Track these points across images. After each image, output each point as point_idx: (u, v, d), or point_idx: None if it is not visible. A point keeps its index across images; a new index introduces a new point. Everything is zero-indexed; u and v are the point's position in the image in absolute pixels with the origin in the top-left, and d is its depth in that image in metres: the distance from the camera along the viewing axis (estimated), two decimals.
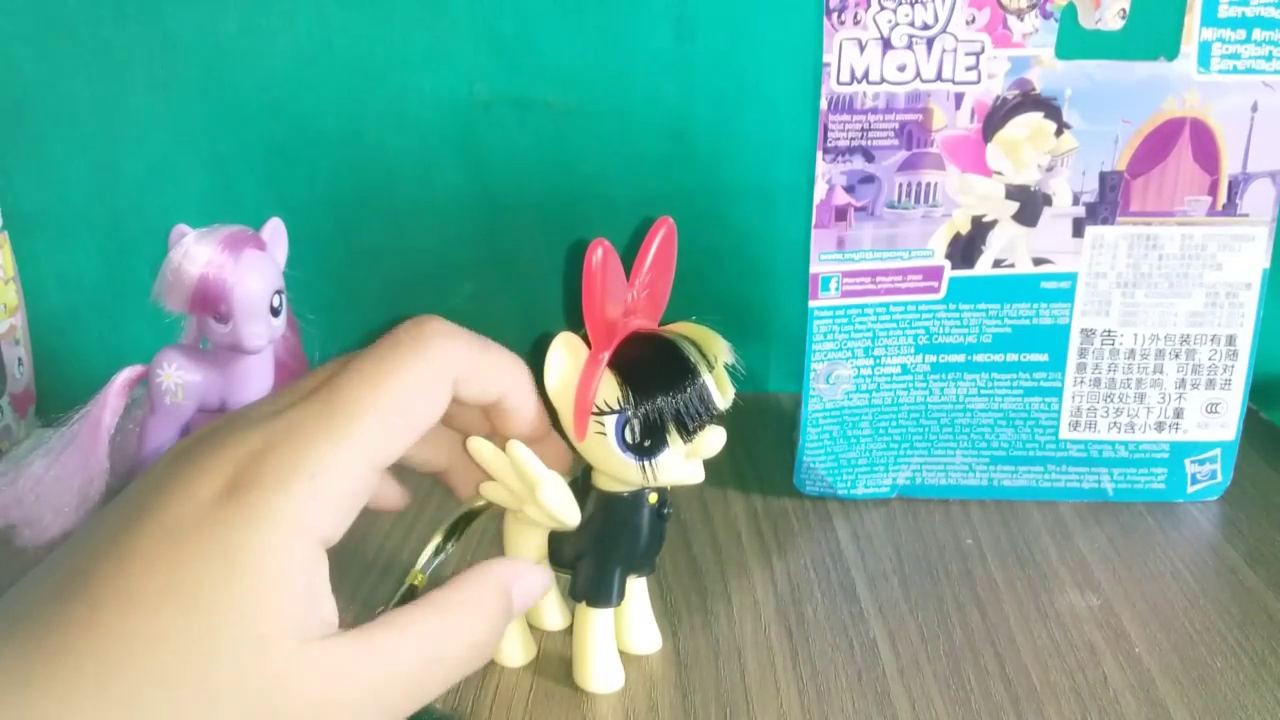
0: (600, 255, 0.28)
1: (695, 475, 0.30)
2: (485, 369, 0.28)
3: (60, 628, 0.22)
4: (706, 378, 0.29)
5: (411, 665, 0.25)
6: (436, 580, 0.28)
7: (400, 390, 0.25)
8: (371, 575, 0.39)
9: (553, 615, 0.36)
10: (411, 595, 0.31)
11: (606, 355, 0.29)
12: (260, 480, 0.23)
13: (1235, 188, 0.40)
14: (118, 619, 0.22)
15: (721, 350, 0.30)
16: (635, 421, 0.29)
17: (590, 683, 0.33)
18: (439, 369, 0.26)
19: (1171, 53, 0.39)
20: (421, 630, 0.26)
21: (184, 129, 0.53)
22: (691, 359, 0.29)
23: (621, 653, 0.34)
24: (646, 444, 0.29)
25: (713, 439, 0.30)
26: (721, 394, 0.30)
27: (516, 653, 0.34)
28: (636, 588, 0.34)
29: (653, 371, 0.29)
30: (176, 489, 0.24)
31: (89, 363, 0.45)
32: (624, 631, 0.34)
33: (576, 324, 0.30)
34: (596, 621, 0.33)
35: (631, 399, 0.29)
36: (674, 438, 0.29)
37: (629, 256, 0.31)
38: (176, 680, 0.22)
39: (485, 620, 0.27)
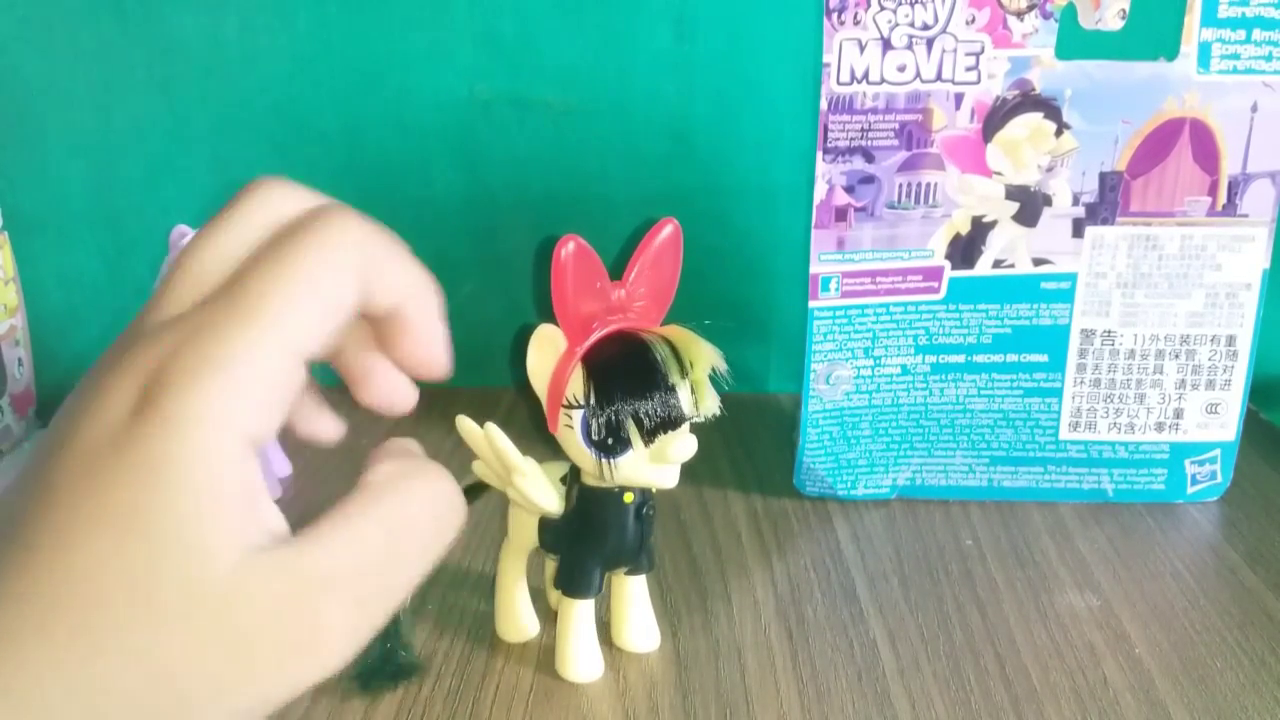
0: (570, 250, 0.28)
1: (662, 480, 0.30)
2: (392, 265, 0.26)
3: (17, 575, 0.21)
4: (677, 384, 0.29)
5: (375, 547, 0.24)
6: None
7: (311, 271, 0.24)
8: None
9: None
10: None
11: (581, 350, 0.29)
12: (171, 383, 0.22)
13: (1235, 188, 0.40)
14: (51, 556, 0.21)
15: (703, 358, 0.29)
16: (596, 420, 0.29)
17: (566, 671, 0.33)
18: (349, 251, 0.24)
19: (1171, 53, 0.39)
20: (375, 509, 0.24)
21: (184, 129, 0.53)
22: (661, 364, 0.29)
23: (620, 650, 0.34)
24: (609, 442, 0.29)
25: (679, 446, 0.29)
26: (697, 402, 0.29)
27: (519, 628, 0.35)
28: (635, 585, 0.34)
29: (618, 373, 0.29)
30: (89, 412, 0.23)
31: (89, 363, 0.45)
32: (623, 629, 0.34)
33: (547, 317, 0.30)
34: (574, 611, 0.33)
35: (594, 398, 0.29)
36: (636, 440, 0.29)
37: (627, 255, 0.31)
38: (120, 610, 0.21)
39: (435, 479, 0.25)
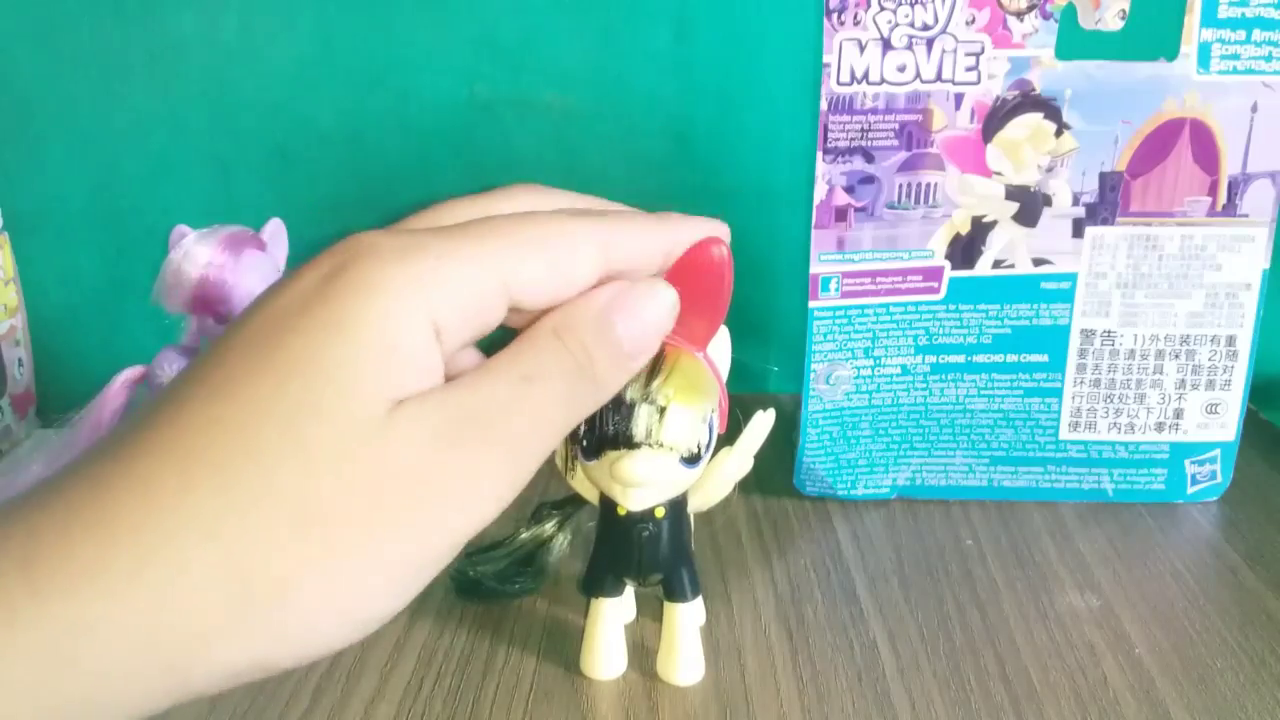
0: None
1: (620, 498, 0.30)
2: (640, 238, 0.27)
3: (147, 426, 0.21)
4: (635, 402, 0.28)
5: (520, 388, 0.23)
6: None
7: (545, 230, 0.24)
8: None
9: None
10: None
11: None
12: (367, 255, 0.23)
13: (1235, 188, 0.40)
14: (205, 405, 0.21)
15: (689, 392, 0.28)
16: None
17: (583, 667, 0.34)
18: (591, 226, 0.25)
19: (1171, 53, 0.39)
20: (513, 358, 0.24)
21: (184, 129, 0.53)
22: (627, 385, 0.27)
23: (662, 681, 0.33)
24: (584, 443, 0.29)
25: (624, 466, 0.28)
26: (657, 430, 0.28)
27: (604, 666, 0.34)
28: (672, 612, 0.33)
29: None
30: (285, 283, 0.23)
31: (89, 363, 0.45)
32: (660, 657, 0.34)
33: None
34: (593, 609, 0.33)
35: None
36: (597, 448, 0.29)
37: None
38: (270, 455, 0.21)
39: (579, 345, 0.24)
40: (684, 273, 0.28)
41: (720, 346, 0.31)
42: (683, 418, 0.28)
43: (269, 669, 0.21)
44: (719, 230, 0.28)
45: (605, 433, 0.28)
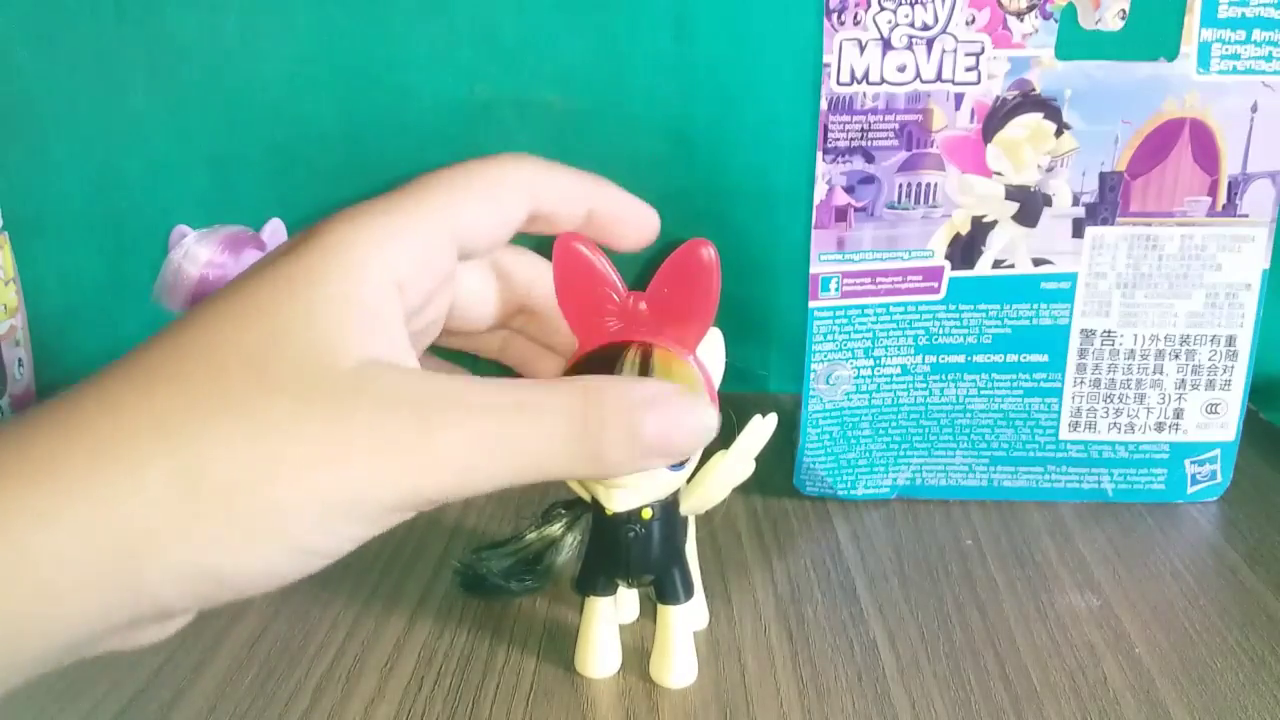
0: (564, 247, 0.29)
1: (603, 497, 0.30)
2: (563, 176, 0.29)
3: (116, 362, 0.23)
4: None
5: (506, 405, 0.23)
6: None
7: (478, 178, 0.27)
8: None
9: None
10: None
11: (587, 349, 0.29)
12: (332, 220, 0.25)
13: (1235, 188, 0.40)
14: (171, 337, 0.23)
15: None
16: None
17: (577, 665, 0.34)
18: (518, 171, 0.28)
19: (1171, 53, 0.39)
20: (522, 384, 0.24)
21: (184, 129, 0.53)
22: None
23: (655, 683, 0.33)
24: None
25: None
26: None
27: (597, 664, 0.34)
28: (664, 614, 0.33)
29: (580, 371, 0.29)
30: (264, 256, 0.25)
31: (89, 363, 0.45)
32: (653, 658, 0.34)
33: None
34: (587, 608, 0.33)
35: None
36: None
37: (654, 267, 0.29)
38: (234, 379, 0.22)
39: (598, 410, 0.24)
40: (672, 273, 0.28)
41: (713, 350, 0.31)
42: None
43: (220, 583, 0.21)
44: (649, 214, 0.30)
45: None
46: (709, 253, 0.28)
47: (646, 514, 0.31)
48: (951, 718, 0.32)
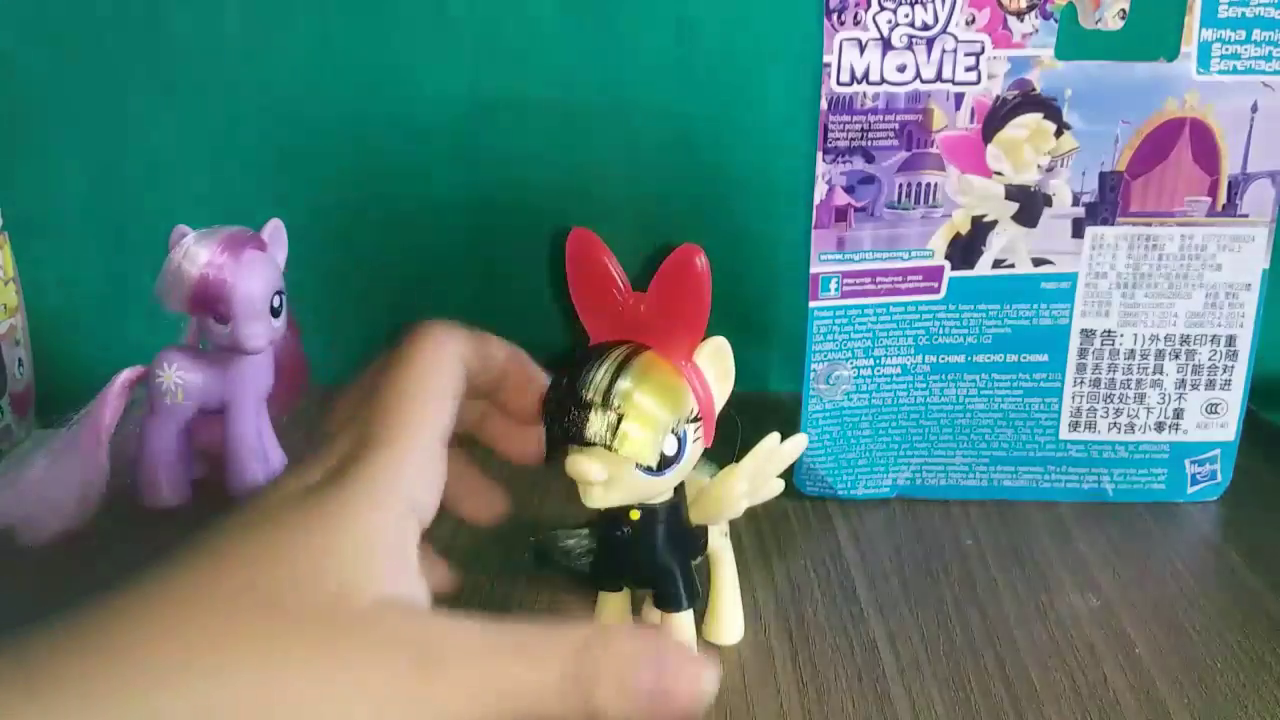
0: (576, 239, 0.29)
1: (582, 492, 0.29)
2: (484, 346, 0.31)
3: (155, 589, 0.24)
4: (593, 405, 0.28)
5: (505, 667, 0.25)
6: None
7: (430, 372, 0.29)
8: None
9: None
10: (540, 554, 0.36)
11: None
12: (346, 462, 0.27)
13: (1235, 188, 0.40)
14: (204, 576, 0.25)
15: (646, 407, 0.28)
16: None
17: None
18: (450, 348, 0.30)
19: (1171, 53, 0.39)
20: (524, 630, 0.26)
21: (184, 130, 0.53)
22: (589, 378, 0.28)
23: None
24: (545, 436, 0.30)
25: (574, 462, 0.28)
26: (620, 440, 0.27)
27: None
28: (666, 621, 0.33)
29: (566, 364, 0.29)
30: (293, 470, 0.27)
31: (89, 363, 0.45)
32: None
33: (565, 307, 0.31)
34: (599, 600, 0.34)
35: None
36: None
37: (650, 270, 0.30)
38: (251, 616, 0.24)
39: (562, 666, 0.25)
40: (665, 282, 0.28)
41: (719, 361, 0.30)
42: (641, 429, 0.28)
43: None
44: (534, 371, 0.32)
45: (562, 427, 0.28)
46: (702, 260, 0.28)
47: (634, 515, 0.31)
48: (951, 718, 0.32)
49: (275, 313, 0.41)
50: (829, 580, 0.39)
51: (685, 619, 0.32)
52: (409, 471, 0.27)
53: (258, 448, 0.43)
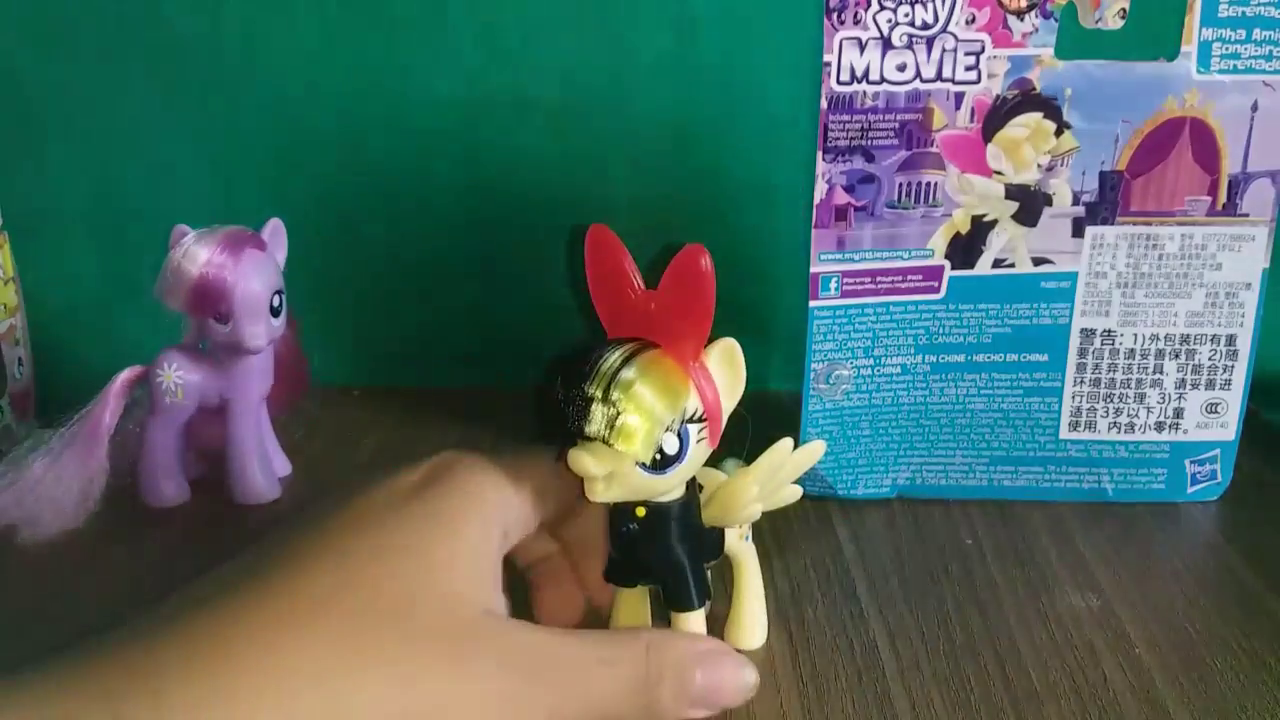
0: (595, 236, 0.30)
1: (586, 486, 0.29)
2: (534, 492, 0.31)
3: (266, 581, 0.25)
4: (594, 398, 0.27)
5: (591, 671, 0.27)
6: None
7: (535, 471, 0.30)
8: None
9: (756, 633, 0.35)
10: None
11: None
12: (458, 464, 0.28)
13: (1235, 188, 0.40)
14: (335, 565, 0.25)
15: (646, 404, 0.27)
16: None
17: None
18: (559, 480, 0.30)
19: (1171, 53, 0.39)
20: (601, 640, 0.28)
21: (184, 130, 0.53)
22: (591, 370, 0.28)
23: None
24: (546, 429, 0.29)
25: (572, 456, 0.28)
26: (617, 435, 0.27)
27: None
28: (678, 620, 0.32)
29: (566, 357, 0.29)
30: (376, 484, 0.28)
31: (89, 363, 0.45)
32: None
33: (585, 303, 0.31)
34: (615, 596, 0.33)
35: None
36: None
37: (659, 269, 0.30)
38: (385, 624, 0.24)
39: (657, 666, 0.28)
40: (672, 281, 0.29)
41: (731, 364, 0.30)
42: (637, 424, 0.27)
43: None
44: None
45: (563, 420, 0.28)
46: (705, 261, 0.28)
47: (640, 512, 0.31)
48: (951, 718, 0.32)
49: (275, 312, 0.41)
50: (829, 580, 0.39)
51: (696, 619, 0.32)
52: (510, 499, 0.28)
53: (258, 448, 0.43)
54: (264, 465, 0.43)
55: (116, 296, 0.55)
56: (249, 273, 0.40)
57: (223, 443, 0.43)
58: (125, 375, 0.41)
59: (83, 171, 0.53)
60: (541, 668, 0.26)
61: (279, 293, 0.41)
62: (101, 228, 0.54)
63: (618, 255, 0.30)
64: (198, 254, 0.39)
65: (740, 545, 0.35)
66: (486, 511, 0.28)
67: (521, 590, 0.33)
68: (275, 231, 0.42)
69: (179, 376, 0.42)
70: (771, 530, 0.42)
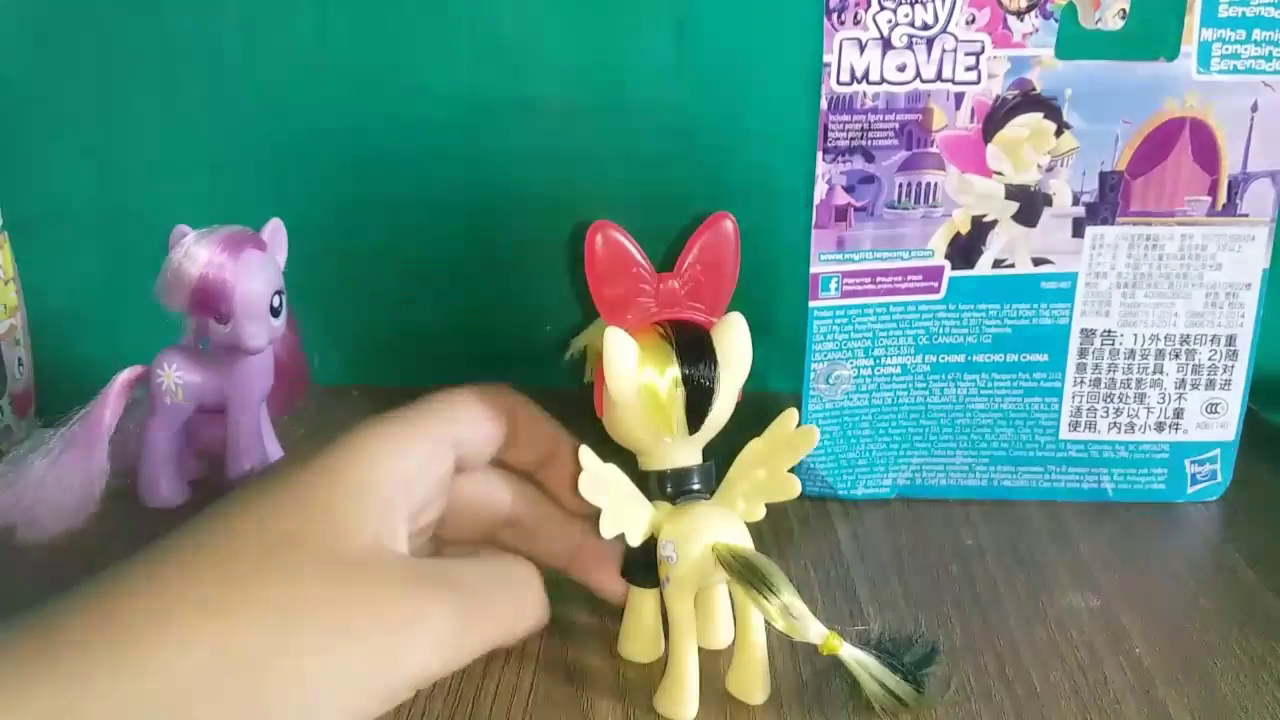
0: (599, 240, 0.31)
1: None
2: (538, 419, 0.34)
3: (161, 548, 0.27)
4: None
5: (483, 580, 0.30)
6: None
7: (470, 399, 0.33)
8: None
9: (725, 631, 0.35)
10: None
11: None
12: (357, 426, 0.30)
13: (1235, 188, 0.40)
14: (209, 522, 0.27)
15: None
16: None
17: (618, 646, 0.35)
18: (499, 400, 0.33)
19: (1171, 53, 0.39)
20: (492, 562, 0.32)
21: (184, 129, 0.53)
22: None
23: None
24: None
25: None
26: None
27: (642, 649, 0.34)
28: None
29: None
30: (279, 460, 0.32)
31: (89, 363, 0.45)
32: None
33: (587, 303, 0.32)
34: (630, 594, 0.34)
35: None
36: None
37: (679, 248, 0.33)
38: (261, 561, 0.26)
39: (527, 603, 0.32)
40: (701, 243, 0.32)
41: (736, 336, 0.33)
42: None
43: None
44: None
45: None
46: (731, 223, 0.33)
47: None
48: (952, 718, 0.32)
49: (275, 313, 0.41)
50: (829, 580, 0.39)
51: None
52: (403, 450, 0.30)
53: (258, 448, 0.43)
54: (264, 465, 0.43)
55: (116, 297, 0.55)
56: (249, 273, 0.40)
57: (223, 443, 0.43)
58: (125, 375, 0.41)
59: (83, 171, 0.53)
60: (432, 588, 0.28)
61: (279, 293, 0.41)
62: (101, 228, 0.54)
63: (625, 249, 0.31)
64: (198, 254, 0.39)
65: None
66: (370, 456, 0.29)
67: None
68: (275, 231, 0.42)
69: (179, 376, 0.42)
70: (772, 530, 0.42)
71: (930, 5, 0.38)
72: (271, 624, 0.25)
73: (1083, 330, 0.42)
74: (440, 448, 0.31)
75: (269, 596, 0.25)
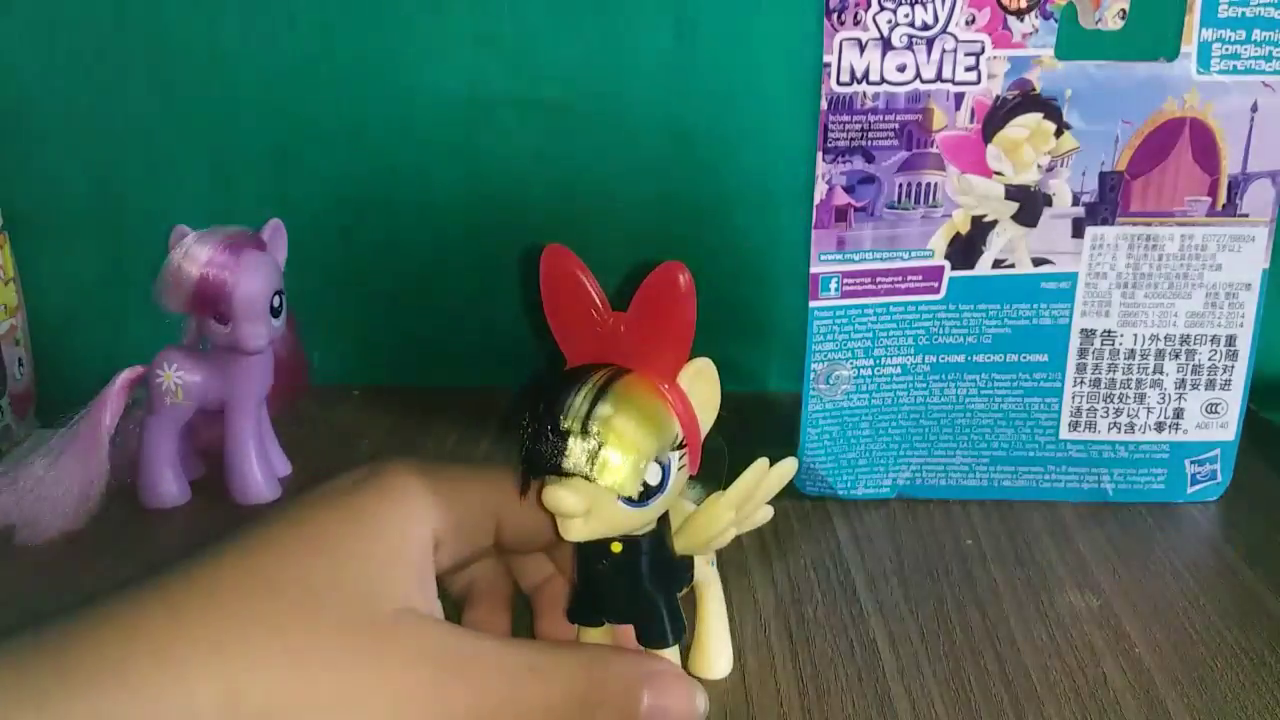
0: (550, 258, 0.27)
1: (560, 524, 0.27)
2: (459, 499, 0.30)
3: (184, 573, 0.25)
4: (571, 433, 0.25)
5: (518, 679, 0.26)
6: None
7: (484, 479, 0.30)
8: None
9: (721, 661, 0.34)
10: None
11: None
12: (402, 468, 0.28)
13: (1235, 188, 0.40)
14: (248, 554, 0.26)
15: (628, 436, 0.26)
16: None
17: None
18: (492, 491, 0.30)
19: (1171, 53, 0.39)
20: (536, 645, 0.28)
21: (184, 129, 0.53)
22: (567, 405, 0.26)
23: None
24: (520, 465, 0.27)
25: (550, 493, 0.26)
26: (596, 467, 0.25)
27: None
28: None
29: (539, 389, 0.27)
30: (312, 488, 0.28)
31: (89, 363, 0.45)
32: None
33: (539, 325, 0.29)
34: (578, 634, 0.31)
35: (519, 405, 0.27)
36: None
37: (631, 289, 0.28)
38: (284, 614, 0.24)
39: (570, 686, 0.27)
40: (647, 299, 0.27)
41: (704, 383, 0.28)
42: (621, 457, 0.26)
43: None
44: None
45: (538, 456, 0.26)
46: (685, 277, 0.26)
47: (616, 548, 0.28)
48: (951, 718, 0.32)
49: (275, 313, 0.41)
50: (829, 580, 0.39)
51: (671, 655, 0.30)
52: (440, 502, 0.28)
53: (258, 447, 0.43)
54: (264, 465, 0.43)
55: (116, 296, 0.55)
56: (249, 273, 0.40)
57: (223, 443, 0.43)
58: (125, 375, 0.41)
59: (83, 171, 0.53)
60: (461, 666, 0.25)
61: (279, 293, 0.41)
62: (101, 228, 0.54)
63: (576, 276, 0.27)
64: (198, 254, 0.39)
65: (706, 571, 0.33)
66: (410, 513, 0.27)
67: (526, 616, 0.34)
68: (275, 232, 0.43)
69: (179, 376, 0.42)
70: (771, 530, 0.42)
71: (930, 5, 0.38)
72: (285, 675, 0.24)
73: (1083, 330, 0.42)
74: (482, 518, 0.29)
75: (286, 646, 0.24)
